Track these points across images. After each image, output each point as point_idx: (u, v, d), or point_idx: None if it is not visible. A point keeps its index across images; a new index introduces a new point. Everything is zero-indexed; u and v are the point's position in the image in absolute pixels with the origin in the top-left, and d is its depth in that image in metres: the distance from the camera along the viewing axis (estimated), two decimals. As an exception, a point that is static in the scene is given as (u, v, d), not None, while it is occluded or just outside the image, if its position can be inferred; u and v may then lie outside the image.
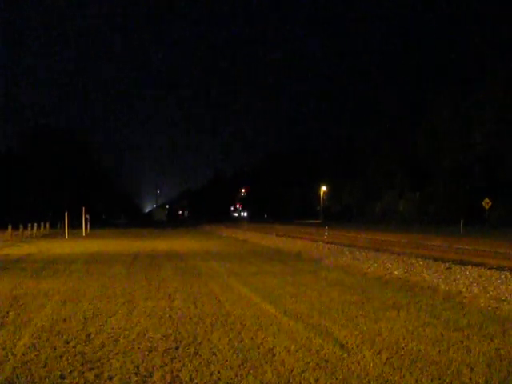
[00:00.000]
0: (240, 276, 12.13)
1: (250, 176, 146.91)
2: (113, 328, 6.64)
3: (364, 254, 17.16)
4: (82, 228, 39.34)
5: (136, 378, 4.69)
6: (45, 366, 5.06)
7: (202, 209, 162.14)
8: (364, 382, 4.59)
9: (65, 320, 7.13)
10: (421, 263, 13.79)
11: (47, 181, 69.41)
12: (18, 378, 4.72)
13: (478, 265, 13.25)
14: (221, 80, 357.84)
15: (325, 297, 9.03)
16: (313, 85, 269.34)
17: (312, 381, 4.61)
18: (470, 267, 12.57)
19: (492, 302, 8.49)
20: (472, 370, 4.89)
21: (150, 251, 20.49)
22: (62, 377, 4.73)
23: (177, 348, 5.67)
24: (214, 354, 5.43)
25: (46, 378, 4.69)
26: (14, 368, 4.99)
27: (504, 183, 50.32)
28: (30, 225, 34.97)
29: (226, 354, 5.40)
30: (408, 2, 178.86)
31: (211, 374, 4.77)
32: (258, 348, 5.66)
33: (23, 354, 5.46)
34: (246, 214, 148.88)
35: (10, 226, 30.69)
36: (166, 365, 5.06)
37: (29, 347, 5.74)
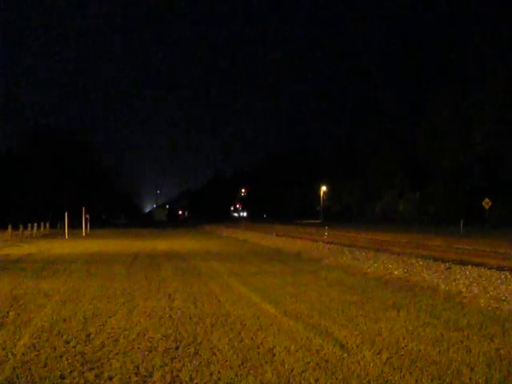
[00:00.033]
0: (240, 276, 12.13)
1: (249, 176, 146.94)
2: (113, 328, 6.64)
3: (364, 253, 17.16)
4: (82, 228, 39.34)
5: (136, 378, 4.69)
6: (45, 366, 5.06)
7: (202, 209, 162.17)
8: (364, 382, 4.59)
9: (65, 320, 7.13)
10: (421, 263, 13.79)
11: (47, 181, 69.43)
12: (18, 378, 4.72)
13: (478, 265, 13.25)
14: (221, 80, 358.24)
15: (325, 297, 9.03)
16: (313, 85, 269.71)
17: (312, 381, 4.61)
18: (470, 267, 12.57)
19: (492, 301, 8.49)
20: (472, 370, 4.89)
21: (149, 251, 20.49)
22: (62, 377, 4.73)
23: (177, 348, 5.67)
24: (214, 354, 5.43)
25: (45, 378, 4.69)
26: (14, 368, 4.99)
27: (504, 183, 50.33)
28: (29, 225, 34.97)
29: (226, 354, 5.40)
30: (408, 1, 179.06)
31: (211, 374, 4.77)
32: (258, 348, 5.66)
33: (23, 354, 5.46)
34: (245, 213, 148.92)
35: (9, 226, 30.69)
36: (166, 365, 5.06)
37: (29, 347, 5.74)
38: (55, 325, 6.84)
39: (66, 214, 36.53)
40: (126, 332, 6.41)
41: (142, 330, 6.53)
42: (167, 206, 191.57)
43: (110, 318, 7.28)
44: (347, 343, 5.83)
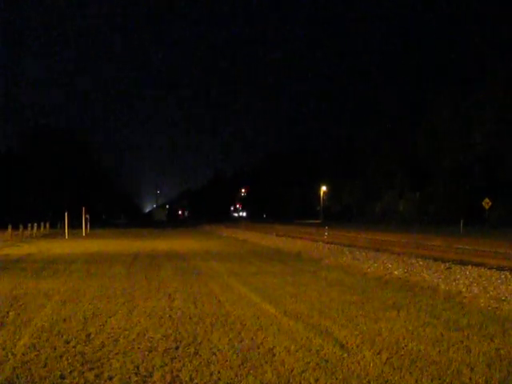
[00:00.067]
0: (240, 276, 12.13)
1: (249, 176, 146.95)
2: (113, 328, 6.64)
3: (364, 253, 17.16)
4: (82, 228, 39.34)
5: (136, 378, 4.69)
6: (45, 366, 5.06)
7: (202, 209, 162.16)
8: (364, 382, 4.59)
9: (65, 320, 7.14)
10: (421, 263, 13.79)
11: (47, 181, 69.42)
12: (18, 378, 4.72)
13: (477, 265, 13.25)
14: (221, 80, 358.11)
15: (325, 297, 9.03)
16: (313, 85, 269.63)
17: (312, 381, 4.61)
18: (469, 267, 12.57)
19: (492, 301, 8.49)
20: (472, 370, 4.90)
21: (150, 251, 20.49)
22: (62, 377, 4.73)
23: (177, 348, 5.67)
24: (214, 353, 5.43)
25: (46, 378, 4.69)
26: (14, 368, 4.99)
27: (504, 183, 50.32)
28: (29, 225, 34.97)
29: (226, 354, 5.40)
30: (408, 1, 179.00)
31: (211, 374, 4.77)
32: (258, 348, 5.66)
33: (23, 354, 5.46)
34: (244, 214, 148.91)
35: (10, 226, 30.70)
36: (166, 365, 5.06)
37: (29, 347, 5.74)
38: (55, 325, 6.84)
39: (66, 214, 36.53)
40: (126, 332, 6.41)
41: (142, 329, 6.53)
42: (167, 206, 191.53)
43: (110, 317, 7.28)
44: (347, 343, 5.83)
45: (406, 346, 5.74)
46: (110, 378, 4.68)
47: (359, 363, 5.09)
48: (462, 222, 38.69)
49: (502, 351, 5.51)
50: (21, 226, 33.01)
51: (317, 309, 7.88)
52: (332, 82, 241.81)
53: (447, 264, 13.33)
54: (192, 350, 5.59)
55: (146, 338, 6.12)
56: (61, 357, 5.34)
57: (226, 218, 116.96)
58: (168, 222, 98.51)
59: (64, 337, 6.19)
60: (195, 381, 4.62)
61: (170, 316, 7.37)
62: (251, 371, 4.85)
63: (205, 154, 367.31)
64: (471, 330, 6.46)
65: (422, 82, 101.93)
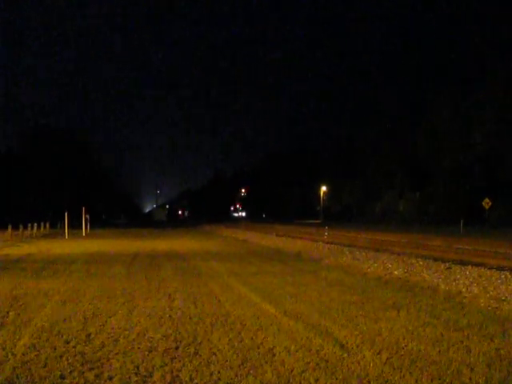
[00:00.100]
0: (240, 276, 12.13)
1: (249, 176, 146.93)
2: (113, 328, 6.64)
3: (364, 253, 17.16)
4: (82, 228, 39.34)
5: (136, 378, 4.69)
6: (45, 365, 5.06)
7: (202, 209, 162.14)
8: (364, 382, 4.59)
9: (65, 320, 7.13)
10: (421, 263, 13.79)
11: (47, 181, 69.41)
12: (18, 377, 4.73)
13: (478, 265, 13.25)
14: (221, 80, 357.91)
15: (325, 297, 9.03)
16: (313, 85, 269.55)
17: (312, 381, 4.61)
18: (469, 267, 12.57)
19: (492, 301, 8.49)
20: (472, 370, 4.90)
21: (149, 251, 20.49)
22: (62, 377, 4.73)
23: (177, 348, 5.67)
24: (214, 353, 5.43)
25: (46, 378, 4.69)
26: (14, 368, 4.99)
27: (504, 183, 50.32)
28: (29, 225, 34.96)
29: (226, 354, 5.40)
30: (408, 1, 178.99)
31: (211, 374, 4.77)
32: (258, 348, 5.66)
33: (23, 354, 5.46)
34: (244, 214, 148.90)
35: (9, 226, 30.69)
36: (166, 365, 5.07)
37: (29, 347, 5.74)
38: (55, 325, 6.84)
39: (66, 214, 36.53)
40: (126, 332, 6.41)
41: (142, 329, 6.53)
42: (167, 206, 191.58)
43: (110, 317, 7.28)
44: (347, 343, 5.83)
45: (405, 346, 5.74)
46: (110, 378, 4.68)
47: (359, 363, 5.09)
48: (462, 222, 38.70)
49: (502, 351, 5.51)
50: (21, 226, 33.00)
51: (317, 309, 7.88)
52: (332, 82, 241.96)
53: (447, 264, 13.34)
54: (192, 350, 5.59)
55: (146, 338, 6.12)
56: (61, 357, 5.34)
57: (226, 218, 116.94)
58: (168, 222, 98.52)
59: (64, 337, 6.19)
60: (195, 381, 4.62)
61: (170, 316, 7.37)
62: (251, 371, 4.85)
63: (205, 154, 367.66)
64: (471, 330, 6.46)
65: (422, 82, 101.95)
